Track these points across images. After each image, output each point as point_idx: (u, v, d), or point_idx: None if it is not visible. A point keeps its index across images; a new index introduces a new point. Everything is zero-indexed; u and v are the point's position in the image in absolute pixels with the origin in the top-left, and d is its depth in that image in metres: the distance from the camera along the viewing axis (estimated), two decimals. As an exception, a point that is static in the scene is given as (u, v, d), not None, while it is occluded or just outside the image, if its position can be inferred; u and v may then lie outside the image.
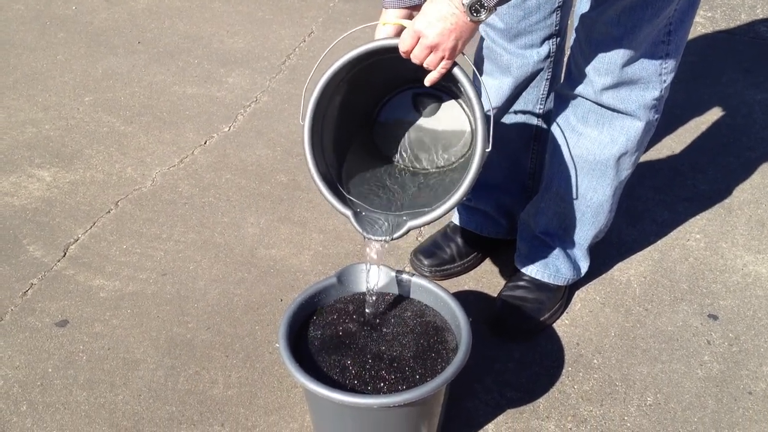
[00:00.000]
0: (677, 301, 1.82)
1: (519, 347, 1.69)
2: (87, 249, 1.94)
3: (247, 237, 2.00)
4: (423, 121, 1.46)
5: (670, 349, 1.70)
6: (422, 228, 2.00)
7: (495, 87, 1.64)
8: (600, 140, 1.55)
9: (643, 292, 1.85)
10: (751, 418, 1.54)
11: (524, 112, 1.71)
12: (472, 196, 1.85)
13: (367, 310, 1.42)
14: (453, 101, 1.43)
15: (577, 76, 1.52)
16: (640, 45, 1.40)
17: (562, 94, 1.60)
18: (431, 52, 1.19)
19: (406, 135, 1.48)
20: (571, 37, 1.54)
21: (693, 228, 2.06)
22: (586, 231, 1.70)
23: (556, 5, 1.54)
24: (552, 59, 1.62)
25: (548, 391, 1.59)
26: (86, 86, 2.65)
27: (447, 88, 1.40)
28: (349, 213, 1.33)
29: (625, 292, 1.85)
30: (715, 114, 2.55)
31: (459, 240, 1.88)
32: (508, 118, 1.71)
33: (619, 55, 1.41)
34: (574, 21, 1.52)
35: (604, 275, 1.89)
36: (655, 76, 1.45)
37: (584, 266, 1.78)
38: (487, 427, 1.52)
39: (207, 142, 2.37)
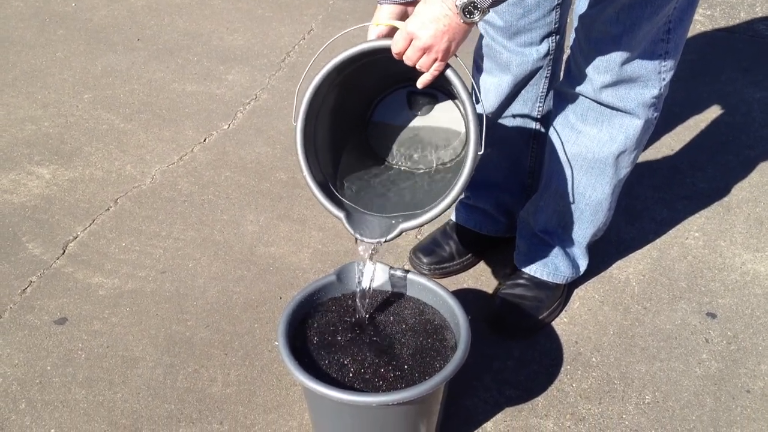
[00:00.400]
0: (676, 300, 1.82)
1: (518, 345, 1.69)
2: (86, 246, 1.94)
3: (247, 235, 2.00)
4: (417, 121, 1.45)
5: (669, 348, 1.70)
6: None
7: (494, 85, 1.64)
8: (599, 138, 1.55)
9: (642, 291, 1.85)
10: (749, 416, 1.55)
11: (523, 111, 1.70)
12: (472, 194, 1.85)
13: (366, 309, 1.42)
14: (448, 100, 1.41)
15: (576, 74, 1.51)
16: (639, 43, 1.40)
17: (561, 92, 1.60)
18: (424, 53, 1.18)
19: (401, 135, 1.46)
20: (570, 35, 1.54)
21: (692, 226, 2.06)
22: (585, 229, 1.70)
23: (556, 3, 1.54)
24: (551, 57, 1.62)
25: (547, 389, 1.59)
26: (85, 83, 2.64)
27: (442, 87, 1.39)
28: (341, 215, 1.30)
29: (624, 290, 1.85)
30: (714, 112, 2.55)
31: (458, 238, 1.88)
32: (508, 117, 1.71)
33: (618, 53, 1.41)
34: (573, 19, 1.51)
35: (602, 273, 1.89)
36: (654, 75, 1.45)
37: (583, 264, 1.78)
38: (485, 425, 1.52)
39: (206, 140, 2.37)
